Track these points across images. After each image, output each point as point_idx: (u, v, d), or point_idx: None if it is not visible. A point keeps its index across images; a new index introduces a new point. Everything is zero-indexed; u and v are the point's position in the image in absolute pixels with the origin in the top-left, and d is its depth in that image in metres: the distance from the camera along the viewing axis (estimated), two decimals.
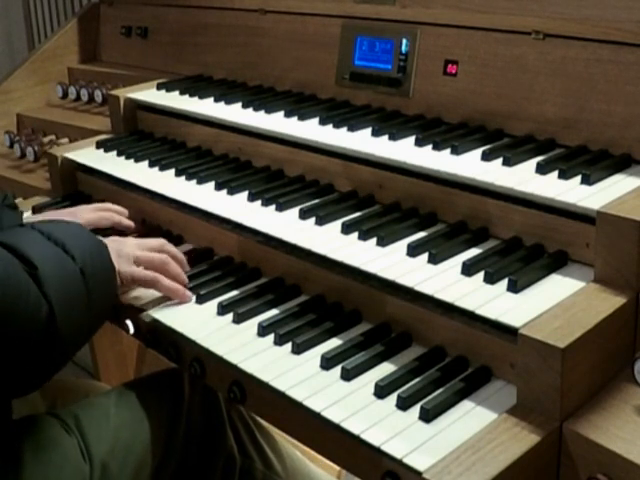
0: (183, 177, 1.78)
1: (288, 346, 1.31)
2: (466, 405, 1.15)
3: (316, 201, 1.59)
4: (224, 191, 1.69)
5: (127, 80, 2.40)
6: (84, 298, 1.28)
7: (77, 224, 1.42)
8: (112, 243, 1.44)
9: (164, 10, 2.47)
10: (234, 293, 1.49)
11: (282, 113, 1.83)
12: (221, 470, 1.55)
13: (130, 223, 1.74)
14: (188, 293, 1.48)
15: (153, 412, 1.47)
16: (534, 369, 1.10)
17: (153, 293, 1.51)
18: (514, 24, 1.61)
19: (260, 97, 1.98)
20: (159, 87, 2.16)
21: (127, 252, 1.47)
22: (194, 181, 1.76)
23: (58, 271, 1.24)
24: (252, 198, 1.63)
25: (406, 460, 1.04)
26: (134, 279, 1.46)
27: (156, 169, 1.86)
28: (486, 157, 1.48)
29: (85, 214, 1.68)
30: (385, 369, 1.24)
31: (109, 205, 1.76)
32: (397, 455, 1.05)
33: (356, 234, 1.44)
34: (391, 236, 1.42)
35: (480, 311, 1.19)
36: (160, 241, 1.56)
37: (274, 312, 1.42)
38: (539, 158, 1.45)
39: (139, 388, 1.50)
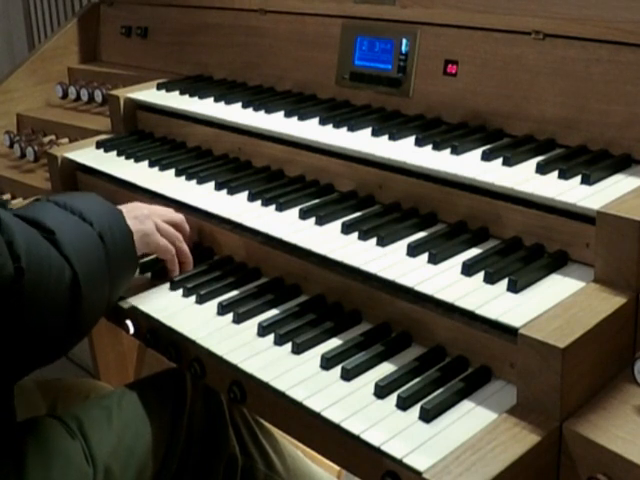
0: (183, 177, 1.78)
1: (288, 346, 1.31)
2: (466, 405, 1.15)
3: (316, 201, 1.59)
4: (224, 191, 1.69)
5: (127, 80, 2.40)
6: (104, 263, 1.31)
7: (92, 194, 1.47)
8: (134, 210, 1.49)
9: (164, 10, 2.47)
10: (234, 293, 1.49)
11: (282, 113, 1.83)
12: (223, 470, 1.54)
13: None
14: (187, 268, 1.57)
15: (155, 413, 1.47)
16: (534, 369, 1.10)
17: (153, 293, 1.52)
18: (514, 24, 1.61)
19: (260, 97, 1.98)
20: (159, 87, 2.16)
21: (149, 224, 1.51)
22: (194, 181, 1.76)
23: (77, 235, 1.28)
24: (252, 198, 1.63)
25: (406, 460, 1.04)
26: (151, 246, 1.51)
27: (156, 169, 1.86)
28: (486, 157, 1.48)
29: None
30: (385, 369, 1.24)
31: None
32: (397, 455, 1.05)
33: (356, 234, 1.44)
34: (391, 236, 1.42)
35: (480, 311, 1.19)
36: (181, 217, 1.62)
37: (274, 312, 1.42)
38: (539, 158, 1.45)
39: (141, 389, 1.50)
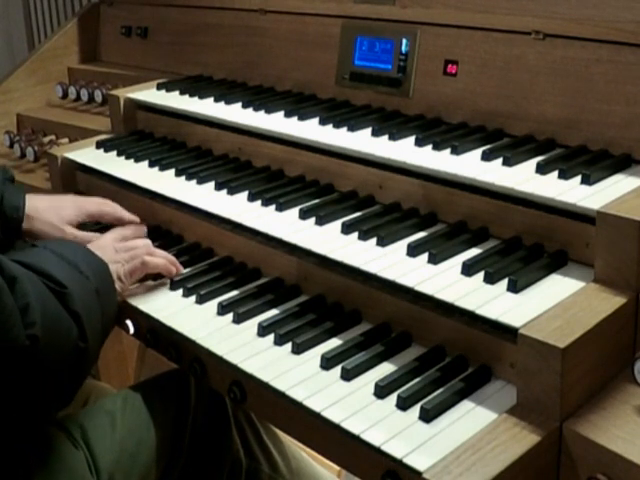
0: (183, 177, 1.78)
1: (288, 346, 1.31)
2: (466, 405, 1.15)
3: (316, 201, 1.59)
4: (224, 191, 1.69)
5: (127, 80, 2.40)
6: (100, 317, 1.30)
7: (82, 246, 1.44)
8: (98, 250, 1.44)
9: (164, 10, 2.47)
10: (234, 293, 1.49)
11: (282, 113, 1.83)
12: (227, 473, 1.54)
13: (133, 217, 1.70)
14: (177, 268, 1.54)
15: (159, 417, 1.46)
16: (534, 369, 1.10)
17: (153, 293, 1.52)
18: (514, 24, 1.61)
19: (260, 97, 1.98)
20: (159, 87, 2.16)
21: (113, 258, 1.47)
22: (194, 181, 1.76)
23: (81, 290, 1.26)
24: (252, 198, 1.63)
25: (406, 460, 1.04)
26: (127, 274, 1.48)
27: (156, 169, 1.86)
28: (486, 157, 1.48)
29: (88, 206, 1.68)
30: (385, 369, 1.24)
31: (110, 202, 1.73)
32: (397, 455, 1.05)
33: (356, 234, 1.44)
34: (391, 236, 1.42)
35: (480, 311, 1.19)
36: (145, 241, 1.58)
37: (274, 312, 1.42)
38: (539, 158, 1.45)
39: (145, 392, 1.50)
